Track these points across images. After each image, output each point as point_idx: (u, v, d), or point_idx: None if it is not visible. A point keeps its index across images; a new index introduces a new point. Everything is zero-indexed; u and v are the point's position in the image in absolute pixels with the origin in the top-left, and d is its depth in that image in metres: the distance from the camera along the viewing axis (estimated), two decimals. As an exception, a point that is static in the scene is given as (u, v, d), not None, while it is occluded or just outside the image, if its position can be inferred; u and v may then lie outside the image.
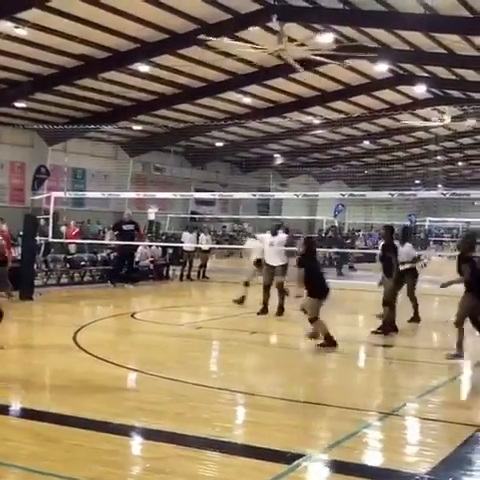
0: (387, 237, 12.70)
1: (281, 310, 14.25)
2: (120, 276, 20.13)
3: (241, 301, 15.88)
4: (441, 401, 8.14)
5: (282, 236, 14.83)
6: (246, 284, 15.97)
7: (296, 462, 5.70)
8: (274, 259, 14.45)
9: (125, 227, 20.33)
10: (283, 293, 14.28)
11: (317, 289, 10.89)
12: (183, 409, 7.31)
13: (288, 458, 5.77)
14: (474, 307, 10.19)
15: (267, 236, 14.91)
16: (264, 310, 14.32)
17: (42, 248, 19.73)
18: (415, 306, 13.65)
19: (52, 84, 24.99)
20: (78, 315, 14.73)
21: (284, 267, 14.48)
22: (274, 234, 14.75)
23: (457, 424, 7.02)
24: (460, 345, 10.08)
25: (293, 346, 11.64)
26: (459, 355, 10.04)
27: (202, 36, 19.12)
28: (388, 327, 12.10)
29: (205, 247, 23.20)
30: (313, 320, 10.78)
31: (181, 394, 7.95)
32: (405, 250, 13.47)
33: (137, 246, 21.24)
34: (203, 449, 6.03)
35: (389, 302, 12.09)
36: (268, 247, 14.59)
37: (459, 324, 10.14)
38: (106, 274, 20.88)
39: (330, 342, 10.68)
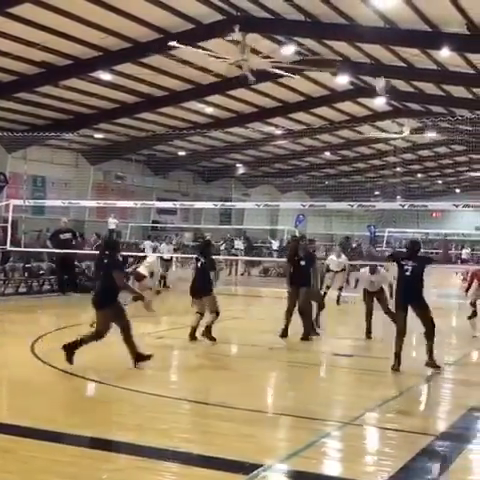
0: (299, 248, 13.25)
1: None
2: (64, 284, 20.06)
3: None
4: (399, 410, 8.20)
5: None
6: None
7: (254, 472, 5.69)
8: None
9: (62, 236, 20.31)
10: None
11: None
12: (141, 420, 7.26)
13: (246, 468, 5.76)
14: None
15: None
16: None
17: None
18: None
19: (12, 91, 24.71)
20: (36, 325, 14.54)
21: None
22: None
23: (415, 433, 7.09)
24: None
25: (251, 356, 11.64)
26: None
27: (174, 43, 19.05)
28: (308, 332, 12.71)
29: (166, 256, 23.14)
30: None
31: (140, 405, 7.89)
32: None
33: (76, 254, 21.17)
34: (161, 460, 6.00)
35: (305, 310, 12.76)
36: None
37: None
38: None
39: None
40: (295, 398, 8.76)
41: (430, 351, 10.30)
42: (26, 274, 20.51)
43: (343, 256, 20.33)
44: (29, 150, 30.42)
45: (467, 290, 14.80)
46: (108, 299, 9.98)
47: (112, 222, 31.32)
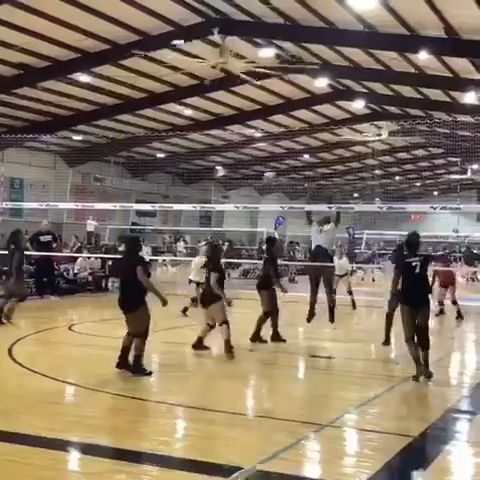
0: (268, 251, 13.71)
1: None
2: (43, 287, 19.96)
3: (185, 311, 16.35)
4: (378, 412, 8.25)
5: None
6: (193, 301, 16.17)
7: (234, 475, 5.70)
8: None
9: (42, 238, 20.26)
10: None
11: None
12: (121, 423, 7.24)
13: (225, 471, 5.76)
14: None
15: None
16: None
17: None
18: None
19: (-11, 92, 24.57)
20: (14, 328, 14.41)
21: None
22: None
23: (393, 434, 7.13)
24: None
25: (231, 359, 11.63)
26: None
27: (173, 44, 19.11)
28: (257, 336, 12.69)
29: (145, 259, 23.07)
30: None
31: (119, 408, 7.87)
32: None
33: (55, 257, 21.10)
34: (140, 463, 5.99)
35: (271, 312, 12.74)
36: None
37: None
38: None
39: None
40: (274, 400, 8.78)
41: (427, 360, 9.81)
42: (3, 277, 20.32)
43: (344, 258, 19.91)
44: (6, 152, 30.22)
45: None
46: (138, 300, 9.89)
47: (91, 224, 31.18)
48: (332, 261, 15.08)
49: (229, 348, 11.27)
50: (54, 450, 6.31)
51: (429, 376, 9.67)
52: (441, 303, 16.98)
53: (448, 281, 17.11)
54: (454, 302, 17.11)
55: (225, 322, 11.31)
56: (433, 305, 13.76)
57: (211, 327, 11.61)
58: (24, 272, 15.60)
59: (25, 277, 19.48)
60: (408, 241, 10.37)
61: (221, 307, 11.42)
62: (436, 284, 16.39)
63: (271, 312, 12.80)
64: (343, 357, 11.57)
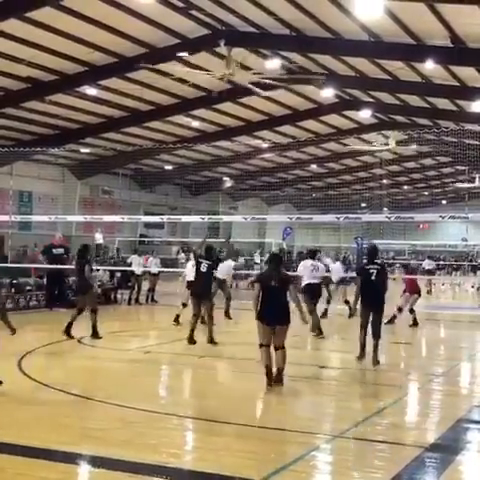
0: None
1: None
2: (53, 299, 19.99)
3: (176, 319, 16.76)
4: (388, 422, 8.20)
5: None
6: (183, 305, 16.60)
7: (244, 487, 5.68)
8: None
9: (55, 251, 20.28)
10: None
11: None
12: (130, 435, 7.22)
13: (236, 483, 5.74)
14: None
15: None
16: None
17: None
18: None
19: (-2, 106, 24.70)
20: (23, 341, 14.39)
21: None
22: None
23: (404, 445, 7.09)
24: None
25: (241, 370, 11.62)
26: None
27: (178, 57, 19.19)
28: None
29: (154, 270, 23.10)
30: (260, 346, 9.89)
31: (128, 420, 7.85)
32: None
33: (66, 270, 21.14)
34: (150, 475, 5.97)
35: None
36: None
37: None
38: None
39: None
40: (284, 412, 8.74)
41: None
42: (13, 290, 20.39)
43: (338, 263, 20.30)
44: (15, 165, 30.36)
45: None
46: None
47: (99, 237, 31.26)
48: None
49: (211, 338, 13.52)
50: (64, 463, 6.30)
51: (377, 363, 11.16)
52: (400, 310, 17.23)
53: (413, 290, 17.64)
54: (411, 310, 17.44)
55: (211, 316, 13.70)
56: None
57: (197, 317, 13.60)
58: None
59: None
60: (368, 251, 11.83)
61: (212, 305, 14.04)
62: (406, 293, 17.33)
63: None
64: (352, 368, 11.52)
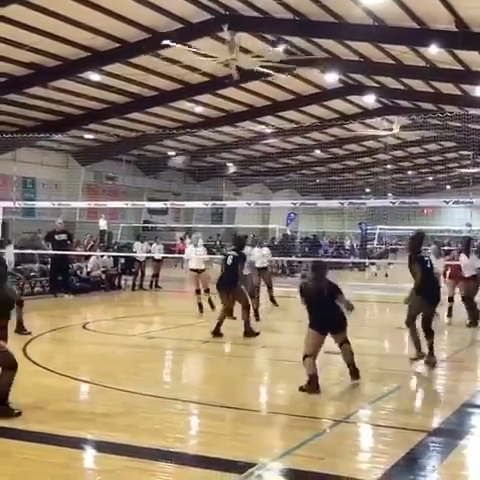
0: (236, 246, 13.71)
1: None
2: (57, 286, 20.03)
3: (207, 306, 16.28)
4: (392, 407, 8.22)
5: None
6: (197, 292, 16.50)
7: (249, 471, 5.70)
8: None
9: (57, 237, 20.30)
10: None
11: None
12: (134, 420, 7.25)
13: (241, 467, 5.76)
14: (422, 307, 10.37)
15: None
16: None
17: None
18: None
19: (1, 92, 24.62)
20: (28, 326, 14.47)
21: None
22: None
23: (408, 430, 7.10)
24: (417, 345, 10.35)
25: (245, 355, 11.65)
26: (419, 356, 10.33)
27: (167, 41, 19.16)
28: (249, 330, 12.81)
29: (157, 256, 23.14)
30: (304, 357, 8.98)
31: (133, 405, 7.88)
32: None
33: (70, 256, 21.18)
34: (155, 460, 6.00)
35: (230, 309, 12.91)
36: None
37: (409, 324, 10.46)
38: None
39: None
40: (288, 396, 8.77)
41: None
42: (18, 276, 20.42)
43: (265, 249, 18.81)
44: (19, 152, 30.33)
45: None
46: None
47: (103, 223, 31.27)
48: None
49: (249, 329, 12.74)
50: (69, 448, 6.33)
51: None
52: (450, 299, 16.25)
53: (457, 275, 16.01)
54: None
55: (247, 306, 12.95)
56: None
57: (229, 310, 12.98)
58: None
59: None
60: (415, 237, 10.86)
61: (241, 292, 13.06)
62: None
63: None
64: (356, 353, 11.54)
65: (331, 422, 7.37)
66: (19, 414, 7.17)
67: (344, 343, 9.15)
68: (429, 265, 10.66)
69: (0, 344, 7.49)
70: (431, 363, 10.26)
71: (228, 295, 12.91)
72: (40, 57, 21.95)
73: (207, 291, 16.34)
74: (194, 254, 16.87)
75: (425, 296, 10.35)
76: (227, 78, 22.01)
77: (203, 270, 16.72)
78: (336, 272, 20.05)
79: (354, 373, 9.09)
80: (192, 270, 16.63)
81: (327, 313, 8.92)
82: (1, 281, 8.19)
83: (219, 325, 12.74)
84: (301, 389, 8.54)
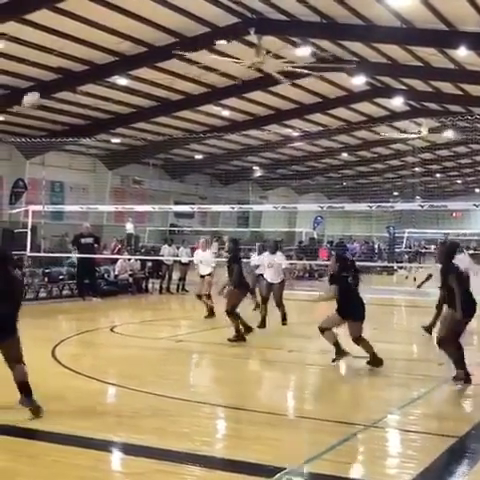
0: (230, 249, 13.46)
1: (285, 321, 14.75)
2: (84, 289, 20.14)
3: (211, 314, 16.19)
4: (421, 412, 8.15)
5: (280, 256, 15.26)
6: (199, 297, 16.51)
7: (277, 476, 5.67)
8: (273, 277, 14.77)
9: (83, 240, 20.40)
10: (283, 307, 14.79)
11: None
12: (162, 423, 7.26)
13: (269, 471, 5.73)
14: (461, 327, 9.35)
15: (266, 255, 15.23)
16: (263, 323, 14.42)
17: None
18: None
19: (29, 97, 24.85)
20: (57, 330, 14.61)
21: (282, 283, 14.90)
22: (273, 253, 15.07)
23: (437, 435, 7.03)
24: (458, 363, 9.32)
25: (273, 359, 11.62)
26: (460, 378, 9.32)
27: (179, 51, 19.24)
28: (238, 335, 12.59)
29: (184, 260, 23.16)
30: (323, 330, 10.38)
31: (161, 408, 7.89)
32: None
33: (96, 259, 21.30)
34: (183, 463, 5.99)
35: (231, 311, 12.65)
36: (268, 267, 14.88)
37: (453, 341, 9.28)
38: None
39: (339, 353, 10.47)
40: (315, 401, 8.73)
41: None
42: (46, 279, 20.61)
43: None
44: (47, 156, 30.55)
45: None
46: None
47: (130, 227, 31.44)
48: None
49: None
50: (97, 450, 6.35)
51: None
52: None
53: None
54: None
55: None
56: None
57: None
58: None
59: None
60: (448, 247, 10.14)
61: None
62: None
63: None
64: (384, 357, 11.45)
65: (359, 427, 7.30)
66: (41, 410, 7.25)
67: (358, 339, 10.26)
68: (465, 277, 9.74)
69: (16, 337, 7.52)
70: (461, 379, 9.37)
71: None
72: (68, 62, 22.16)
73: (208, 296, 16.22)
74: (201, 258, 16.73)
75: (465, 315, 9.21)
76: (250, 81, 22.01)
77: (209, 274, 16.43)
78: (367, 276, 19.85)
79: (376, 363, 10.21)
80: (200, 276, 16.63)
81: (353, 300, 10.27)
82: (5, 262, 7.60)
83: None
84: (333, 360, 10.18)
